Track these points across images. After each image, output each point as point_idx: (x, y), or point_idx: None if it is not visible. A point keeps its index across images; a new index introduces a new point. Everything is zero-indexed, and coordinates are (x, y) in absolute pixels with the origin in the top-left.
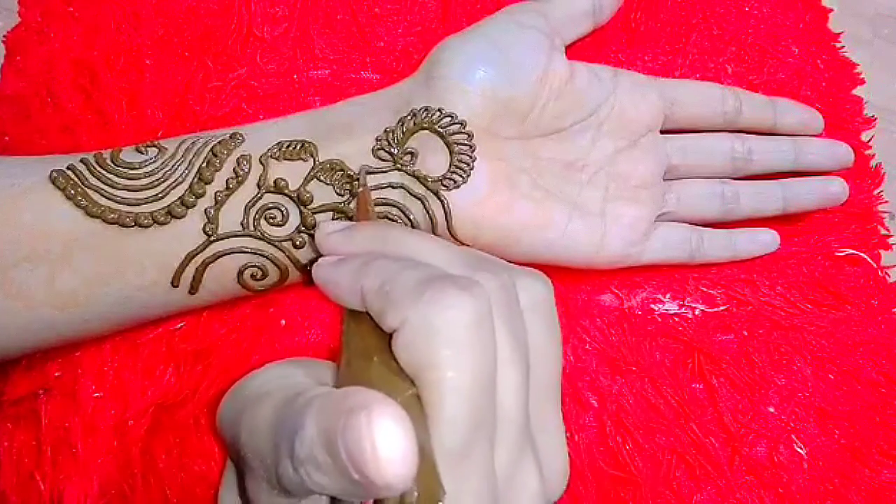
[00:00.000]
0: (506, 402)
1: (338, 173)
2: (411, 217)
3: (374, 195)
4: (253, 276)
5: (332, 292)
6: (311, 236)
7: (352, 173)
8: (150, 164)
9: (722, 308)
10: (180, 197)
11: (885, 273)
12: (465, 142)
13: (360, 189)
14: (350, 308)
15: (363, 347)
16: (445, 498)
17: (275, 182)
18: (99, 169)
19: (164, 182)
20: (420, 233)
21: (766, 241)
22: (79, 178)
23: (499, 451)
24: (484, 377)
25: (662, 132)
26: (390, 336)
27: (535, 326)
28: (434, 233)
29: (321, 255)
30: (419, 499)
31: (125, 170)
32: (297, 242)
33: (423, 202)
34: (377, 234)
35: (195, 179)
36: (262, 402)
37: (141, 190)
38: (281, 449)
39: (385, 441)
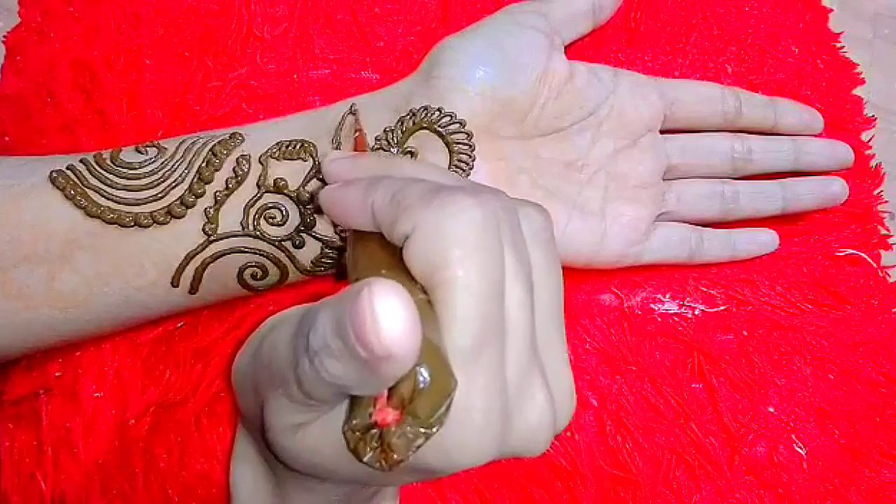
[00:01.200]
0: (513, 313)
1: None
2: None
3: None
4: (253, 276)
5: (341, 214)
6: (311, 236)
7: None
8: (150, 164)
9: (722, 308)
10: (180, 197)
11: (885, 273)
12: (465, 141)
13: (356, 133)
14: (357, 234)
15: (372, 265)
16: (456, 391)
17: (274, 182)
18: (99, 169)
19: (163, 182)
20: (422, 161)
21: (765, 241)
22: (78, 178)
23: (508, 360)
24: (493, 280)
25: (662, 132)
26: (399, 252)
27: (536, 252)
28: None
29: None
30: (430, 388)
31: (125, 170)
32: (297, 242)
33: None
34: (382, 160)
35: (195, 179)
36: (281, 325)
37: (141, 190)
38: (298, 350)
39: (384, 308)
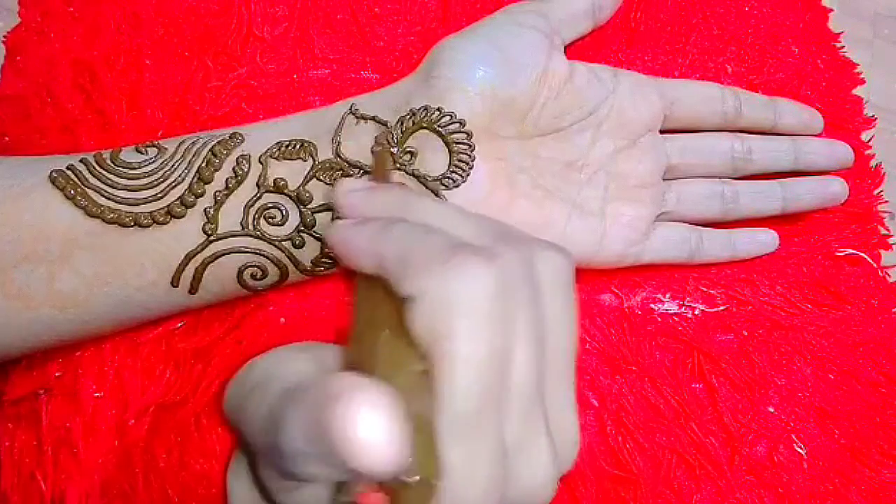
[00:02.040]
0: (519, 377)
1: (337, 173)
2: None
3: None
4: (253, 276)
5: (348, 255)
6: (311, 236)
7: (351, 172)
8: (150, 163)
9: (722, 308)
10: (180, 197)
11: (885, 273)
12: (465, 141)
13: (379, 148)
14: (364, 273)
15: (374, 317)
16: (450, 474)
17: (274, 182)
18: (99, 169)
19: (163, 182)
20: (442, 201)
21: (765, 241)
22: (78, 178)
23: (509, 425)
24: (500, 353)
25: (662, 132)
26: (403, 306)
27: (552, 300)
28: None
29: (337, 216)
30: (418, 483)
31: (125, 170)
32: (297, 242)
33: None
34: (399, 198)
35: (195, 179)
36: (262, 392)
37: (140, 190)
38: (273, 448)
39: (365, 429)
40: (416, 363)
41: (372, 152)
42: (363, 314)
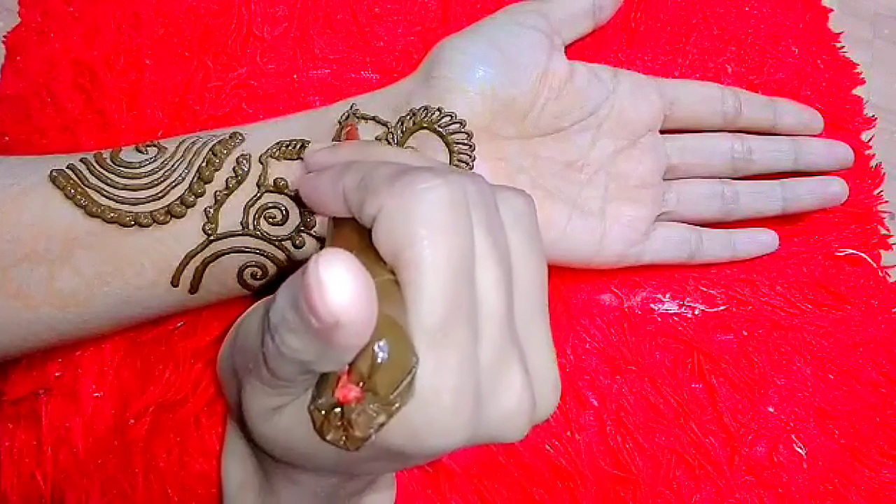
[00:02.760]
0: (487, 297)
1: None
2: None
3: None
4: (253, 276)
5: (316, 201)
6: (311, 236)
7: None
8: (150, 163)
9: (722, 308)
10: (180, 196)
11: (885, 273)
12: (465, 141)
13: (348, 124)
14: (335, 220)
15: (343, 249)
16: (421, 381)
17: (274, 181)
18: (99, 168)
19: (163, 181)
20: (399, 147)
21: (765, 241)
22: (79, 177)
23: (482, 342)
24: (461, 259)
25: (662, 132)
26: (370, 234)
27: (516, 238)
28: None
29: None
30: (389, 364)
31: (125, 169)
32: (297, 242)
33: None
34: (360, 147)
35: (195, 179)
36: (254, 311)
37: (141, 189)
38: (263, 329)
39: (330, 276)
40: (384, 274)
41: (339, 123)
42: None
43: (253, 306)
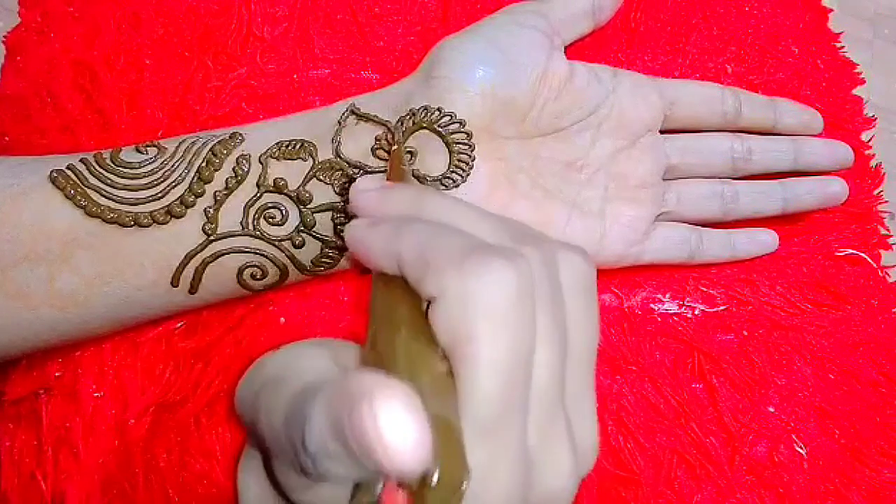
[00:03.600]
0: (541, 380)
1: (337, 173)
2: None
3: None
4: (253, 276)
5: (365, 255)
6: (311, 236)
7: (351, 172)
8: (150, 163)
9: (722, 308)
10: (180, 196)
11: (885, 273)
12: (465, 141)
13: (395, 147)
14: (381, 273)
15: (392, 317)
16: (473, 475)
17: (274, 182)
18: (98, 169)
19: (163, 182)
20: (459, 199)
21: (765, 241)
22: (78, 177)
23: (531, 428)
24: (522, 355)
25: (662, 132)
26: (422, 304)
27: (574, 302)
28: None
29: (352, 217)
30: (441, 480)
31: (125, 169)
32: (297, 242)
33: None
34: (415, 196)
35: (195, 179)
36: (278, 389)
37: (140, 189)
38: (294, 440)
39: (391, 429)
40: (437, 364)
41: (339, 122)
42: (380, 313)
43: (274, 369)
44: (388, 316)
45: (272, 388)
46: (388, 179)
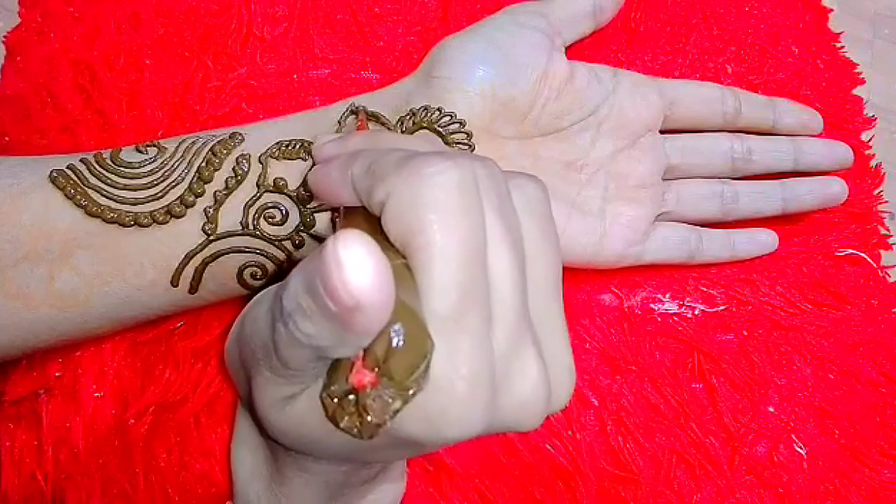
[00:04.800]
0: (499, 284)
1: None
2: None
3: None
4: (252, 276)
5: (325, 191)
6: (311, 236)
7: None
8: (150, 163)
9: (722, 308)
10: (180, 196)
11: (885, 273)
12: (465, 141)
13: (360, 117)
14: (346, 208)
15: None
16: (438, 356)
17: (274, 181)
18: (99, 168)
19: (163, 181)
20: (409, 136)
21: (764, 241)
22: (78, 177)
23: (496, 329)
24: (472, 244)
25: (662, 132)
26: (380, 221)
27: (529, 224)
28: None
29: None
30: (405, 348)
31: (125, 169)
32: (297, 242)
33: None
34: (369, 136)
35: (194, 179)
36: (262, 299)
37: (140, 189)
38: (275, 316)
39: (349, 256)
40: (396, 259)
41: (339, 122)
42: None
43: (257, 296)
44: None
45: (258, 301)
46: None
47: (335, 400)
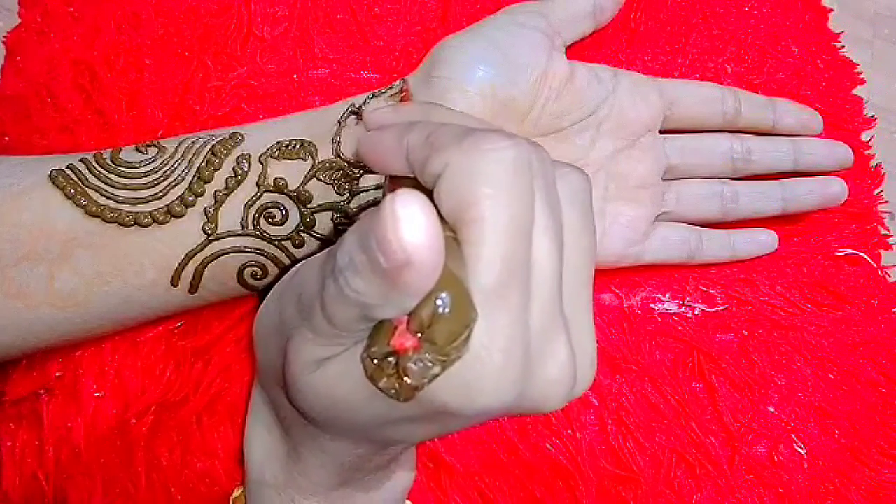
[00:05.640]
0: (540, 266)
1: (337, 173)
2: None
3: (372, 196)
4: (252, 276)
5: (377, 158)
6: (311, 235)
7: (351, 172)
8: (150, 163)
9: (722, 308)
10: (180, 196)
11: (885, 273)
12: None
13: (404, 89)
14: (393, 179)
15: None
16: (478, 327)
17: (274, 181)
18: (99, 168)
19: (163, 181)
20: (466, 113)
21: (764, 241)
22: (78, 177)
23: (533, 309)
24: (522, 223)
25: (662, 132)
26: (431, 194)
27: (571, 214)
28: None
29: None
30: (450, 315)
31: (125, 169)
32: (297, 241)
33: None
34: (424, 107)
35: (195, 178)
36: (311, 261)
37: (140, 189)
38: (325, 273)
39: (405, 214)
40: (446, 231)
41: (338, 122)
42: None
43: (309, 259)
44: None
45: (307, 263)
46: None
47: (375, 361)
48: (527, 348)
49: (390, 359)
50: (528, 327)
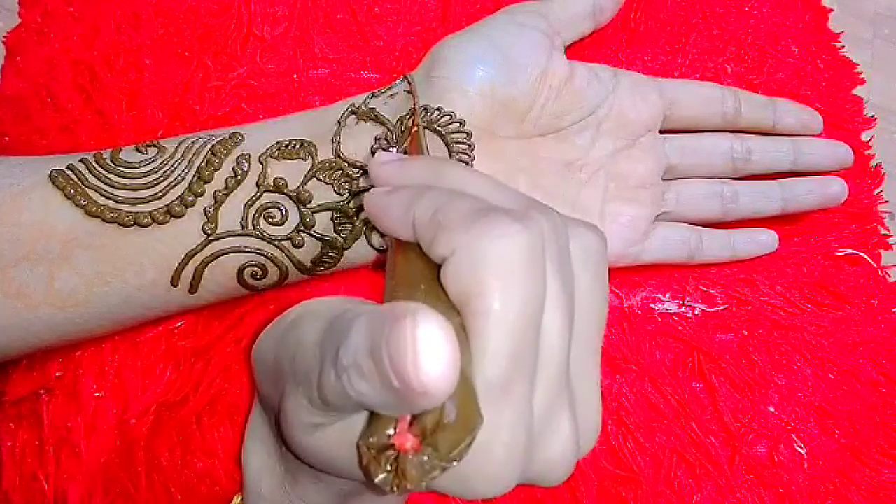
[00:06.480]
0: (549, 344)
1: (337, 173)
2: None
3: None
4: (252, 276)
5: (383, 222)
6: (311, 236)
7: (350, 172)
8: (150, 163)
9: (722, 308)
10: (179, 196)
11: (885, 273)
12: (464, 141)
13: (414, 128)
14: (399, 240)
15: (410, 277)
16: (482, 427)
17: (274, 181)
18: (98, 168)
19: (163, 181)
20: (475, 170)
21: (764, 241)
22: (78, 177)
23: (537, 391)
24: (531, 313)
25: (662, 132)
26: (439, 268)
27: (583, 276)
28: None
29: (372, 187)
30: (455, 423)
31: (125, 169)
32: (297, 242)
33: None
34: (431, 166)
35: (194, 178)
36: (310, 319)
37: (140, 189)
38: (326, 359)
39: (427, 344)
40: (453, 317)
41: (338, 122)
42: (399, 275)
43: (306, 307)
44: (406, 278)
45: (303, 321)
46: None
47: (372, 452)
48: (530, 433)
49: (388, 452)
50: (532, 412)
